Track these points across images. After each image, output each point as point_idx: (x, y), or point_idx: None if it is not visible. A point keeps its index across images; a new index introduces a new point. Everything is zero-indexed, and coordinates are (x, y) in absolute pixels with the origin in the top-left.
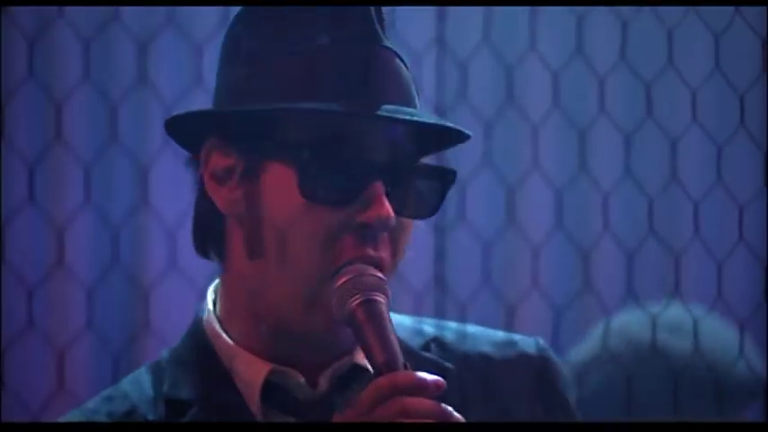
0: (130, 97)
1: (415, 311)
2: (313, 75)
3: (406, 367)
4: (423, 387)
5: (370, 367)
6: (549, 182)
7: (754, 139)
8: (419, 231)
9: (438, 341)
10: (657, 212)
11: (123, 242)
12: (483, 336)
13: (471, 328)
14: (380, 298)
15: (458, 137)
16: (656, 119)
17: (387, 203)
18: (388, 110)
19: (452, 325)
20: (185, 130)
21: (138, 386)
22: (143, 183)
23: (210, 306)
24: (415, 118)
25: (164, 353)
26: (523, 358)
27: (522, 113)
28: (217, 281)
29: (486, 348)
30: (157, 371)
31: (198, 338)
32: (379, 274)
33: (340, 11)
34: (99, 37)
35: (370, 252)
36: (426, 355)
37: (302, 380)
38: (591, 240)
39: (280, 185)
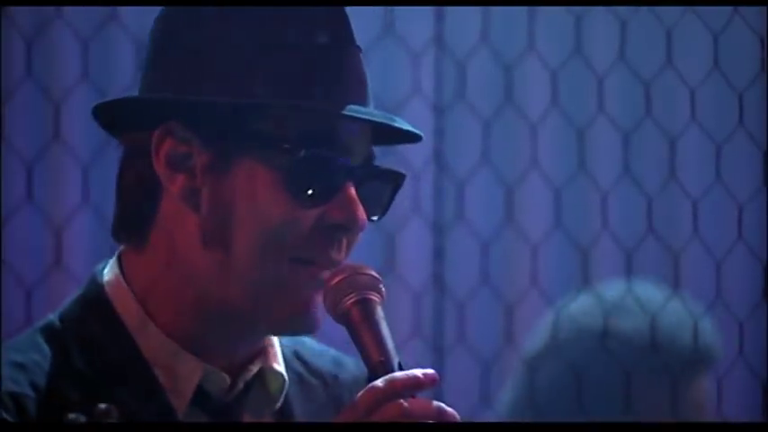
0: None
1: (414, 310)
2: (293, 73)
3: (401, 366)
4: (419, 386)
5: (280, 369)
6: (547, 181)
7: (753, 138)
8: (418, 230)
9: (296, 353)
10: (656, 211)
11: None
12: (326, 354)
13: (315, 344)
14: (375, 297)
15: (412, 137)
16: (654, 118)
17: (360, 206)
18: (363, 111)
19: (304, 340)
20: (133, 111)
21: (43, 356)
22: None
23: (120, 277)
24: (401, 126)
25: (53, 318)
26: (354, 379)
27: (520, 112)
28: (121, 250)
29: (330, 367)
30: (54, 340)
31: (101, 309)
32: (374, 273)
33: (317, 10)
34: (97, 36)
35: (335, 254)
36: (295, 364)
37: (229, 383)
38: (590, 239)
39: (256, 180)
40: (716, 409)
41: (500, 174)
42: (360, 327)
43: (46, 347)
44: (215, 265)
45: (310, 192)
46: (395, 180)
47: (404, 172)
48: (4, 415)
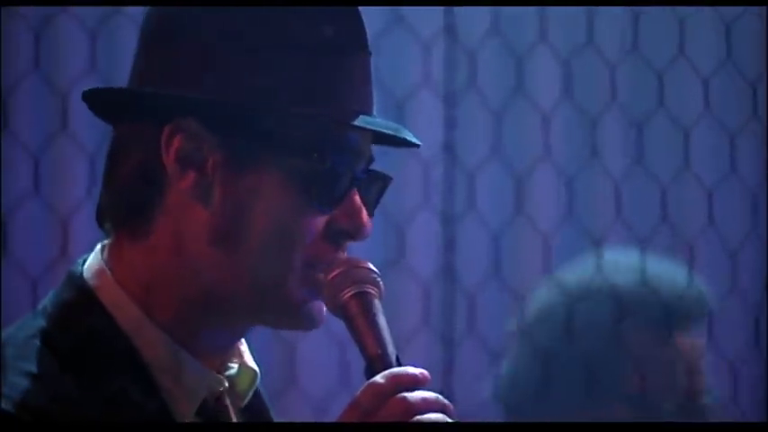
0: None
1: (424, 301)
2: (312, 79)
3: (398, 359)
4: (418, 383)
5: (253, 365)
6: (559, 171)
7: (766, 129)
8: (428, 221)
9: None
10: (669, 202)
11: None
12: None
13: None
14: (373, 290)
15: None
16: (667, 108)
17: (366, 213)
18: (372, 122)
19: None
20: (138, 102)
21: (51, 366)
22: None
23: (109, 276)
24: (406, 137)
25: (42, 323)
26: None
27: (531, 103)
28: (104, 243)
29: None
30: (52, 348)
31: (94, 315)
32: (372, 267)
33: (334, 13)
34: (104, 28)
35: (339, 257)
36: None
37: (226, 386)
38: (602, 230)
39: (268, 182)
40: (731, 402)
41: (511, 164)
42: (357, 320)
43: (49, 356)
44: (222, 261)
45: (321, 198)
46: (383, 183)
47: (390, 175)
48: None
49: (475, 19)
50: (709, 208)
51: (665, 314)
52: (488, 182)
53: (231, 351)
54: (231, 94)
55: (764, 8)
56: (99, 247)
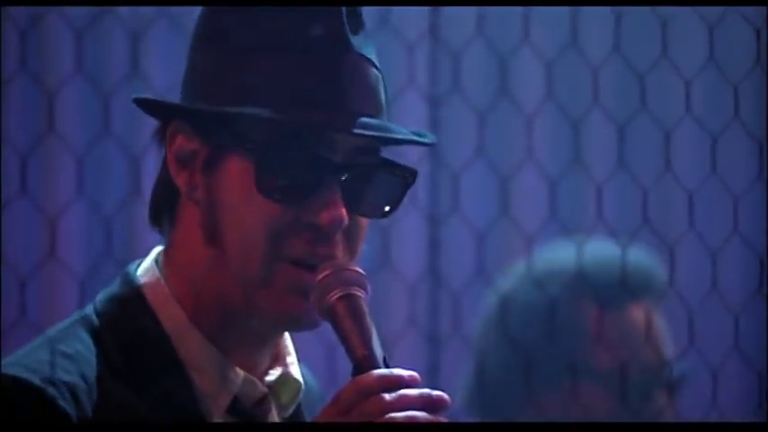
0: (123, 88)
1: (409, 302)
2: (280, 78)
3: (386, 360)
4: (401, 384)
5: (298, 376)
6: (542, 173)
7: (748, 130)
8: (413, 222)
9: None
10: (651, 203)
11: (116, 233)
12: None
13: None
14: (360, 293)
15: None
16: (649, 110)
17: (341, 205)
18: (351, 122)
19: None
20: (154, 108)
21: (87, 349)
22: (135, 174)
23: (159, 278)
24: (374, 132)
25: (89, 313)
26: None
27: (515, 105)
28: (159, 249)
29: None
30: (94, 335)
31: (139, 312)
32: (359, 269)
33: (313, 12)
34: (92, 28)
35: (321, 251)
36: (302, 371)
37: (263, 391)
38: (585, 231)
39: (237, 177)
40: (711, 403)
41: (495, 166)
42: (344, 321)
43: (88, 341)
44: (213, 261)
45: (281, 190)
46: (401, 176)
47: (413, 168)
48: (62, 404)
49: (459, 21)
50: (689, 210)
51: (613, 288)
52: (473, 183)
53: (271, 357)
54: (207, 95)
55: (753, 9)
56: (157, 249)
